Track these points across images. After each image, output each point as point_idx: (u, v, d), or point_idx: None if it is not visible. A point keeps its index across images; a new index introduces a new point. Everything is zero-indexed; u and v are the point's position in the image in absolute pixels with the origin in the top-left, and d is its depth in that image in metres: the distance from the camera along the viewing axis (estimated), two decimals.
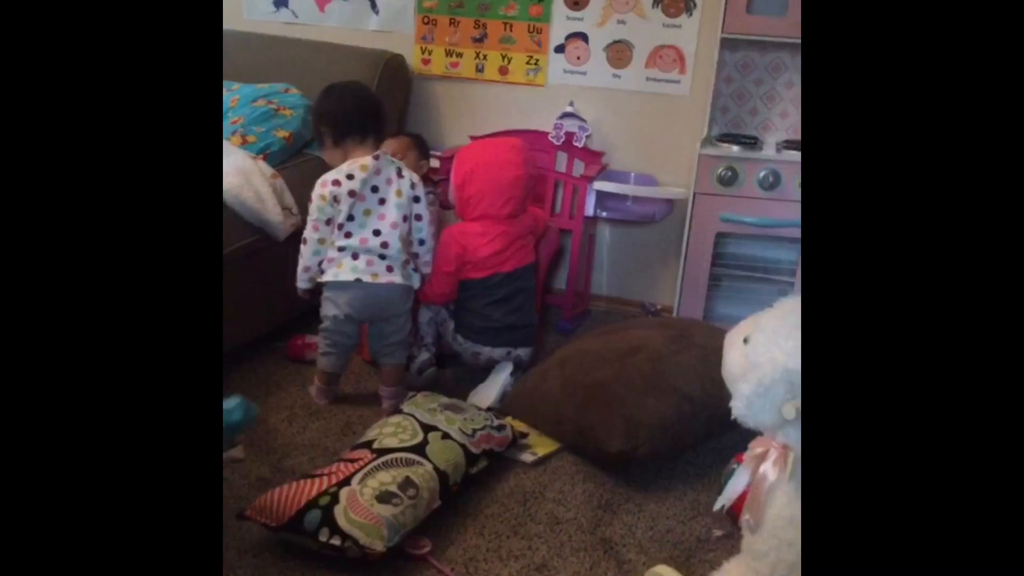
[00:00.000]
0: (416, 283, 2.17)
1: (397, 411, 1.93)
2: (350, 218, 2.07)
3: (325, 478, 1.63)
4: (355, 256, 2.06)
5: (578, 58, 2.82)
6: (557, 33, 2.82)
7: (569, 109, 2.77)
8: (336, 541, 1.52)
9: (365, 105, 2.14)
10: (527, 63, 2.87)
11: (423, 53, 2.96)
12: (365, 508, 1.56)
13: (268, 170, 2.34)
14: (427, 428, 1.82)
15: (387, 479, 1.63)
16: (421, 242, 2.18)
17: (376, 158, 2.10)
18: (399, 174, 2.13)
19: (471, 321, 2.26)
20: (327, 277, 2.08)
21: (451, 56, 2.93)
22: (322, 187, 2.07)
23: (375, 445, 1.75)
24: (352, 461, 1.69)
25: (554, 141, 2.78)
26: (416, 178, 2.17)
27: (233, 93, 2.60)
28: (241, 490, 1.79)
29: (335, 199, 2.05)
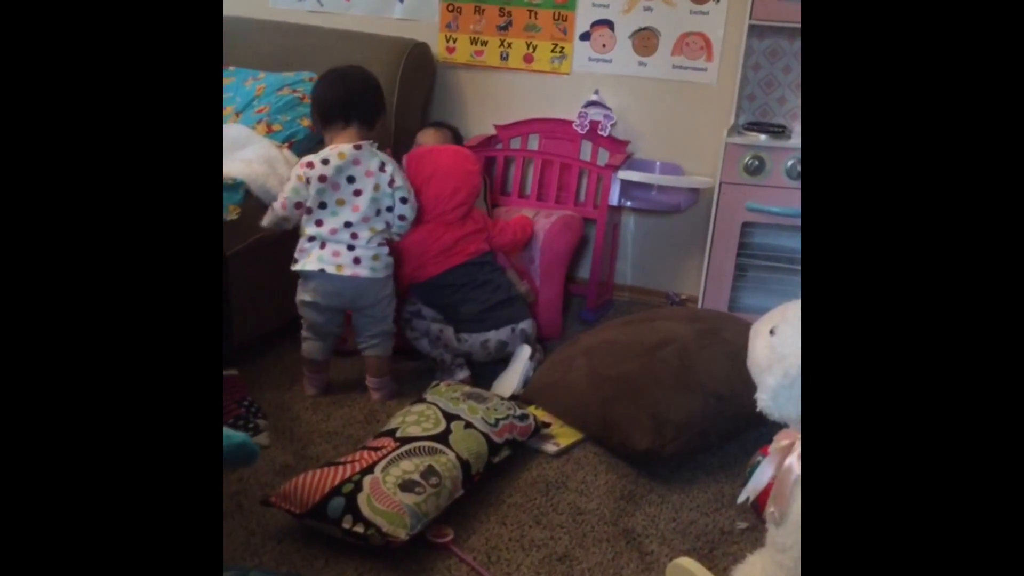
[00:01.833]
0: (382, 275, 2.09)
1: (420, 400, 1.93)
2: (322, 206, 2.05)
3: (348, 466, 1.64)
4: (323, 245, 2.05)
5: (603, 46, 2.80)
6: (582, 20, 2.80)
7: (594, 97, 2.75)
8: (359, 529, 1.53)
9: (352, 91, 2.11)
10: (552, 51, 2.85)
11: (448, 41, 2.95)
12: (388, 496, 1.56)
13: (293, 159, 2.35)
14: (450, 417, 1.82)
15: (410, 468, 1.64)
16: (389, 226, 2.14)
17: (358, 147, 2.07)
18: (381, 168, 2.09)
19: (467, 312, 2.25)
20: (298, 267, 2.08)
21: (476, 44, 2.92)
22: (299, 168, 2.07)
23: (398, 433, 1.75)
24: (375, 449, 1.70)
25: (579, 130, 2.77)
26: (400, 176, 2.12)
27: (259, 82, 2.61)
28: (265, 477, 1.80)
29: (307, 181, 2.04)
